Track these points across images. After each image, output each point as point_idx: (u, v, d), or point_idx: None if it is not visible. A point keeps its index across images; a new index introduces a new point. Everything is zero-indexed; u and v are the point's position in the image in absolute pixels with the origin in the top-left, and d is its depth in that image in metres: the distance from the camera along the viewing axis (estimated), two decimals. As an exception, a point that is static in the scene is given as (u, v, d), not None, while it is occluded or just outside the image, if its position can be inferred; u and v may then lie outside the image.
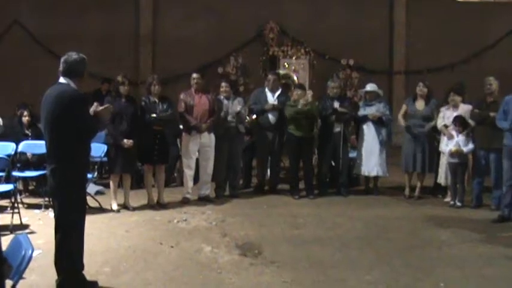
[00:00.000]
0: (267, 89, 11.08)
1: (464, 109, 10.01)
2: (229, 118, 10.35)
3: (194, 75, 10.27)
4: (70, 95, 5.52)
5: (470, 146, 9.69)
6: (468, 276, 6.26)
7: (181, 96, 10.13)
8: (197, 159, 10.31)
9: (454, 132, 9.80)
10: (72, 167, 5.54)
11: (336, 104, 10.65)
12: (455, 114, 9.94)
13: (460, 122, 9.76)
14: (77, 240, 5.64)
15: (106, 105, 5.96)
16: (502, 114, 8.87)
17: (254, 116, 10.92)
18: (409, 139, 10.55)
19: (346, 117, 10.67)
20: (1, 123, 11.47)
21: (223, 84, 10.69)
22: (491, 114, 9.29)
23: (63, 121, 5.48)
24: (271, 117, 10.77)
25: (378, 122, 10.67)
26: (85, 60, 5.73)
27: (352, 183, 11.39)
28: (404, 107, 10.81)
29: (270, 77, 11.27)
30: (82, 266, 5.72)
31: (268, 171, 11.32)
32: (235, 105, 10.47)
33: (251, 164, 11.84)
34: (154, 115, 9.48)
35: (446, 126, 10.03)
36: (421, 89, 10.59)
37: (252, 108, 10.91)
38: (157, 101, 9.65)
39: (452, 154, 9.74)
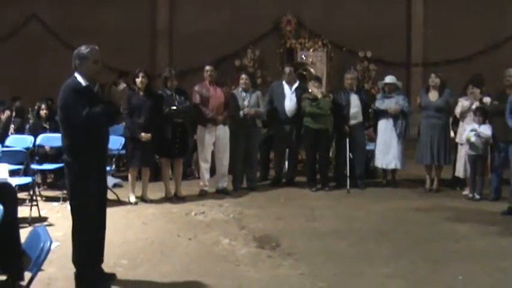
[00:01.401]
0: (284, 82, 11.05)
1: (484, 101, 9.94)
2: (241, 113, 10.35)
3: (207, 67, 10.26)
4: (67, 86, 5.50)
5: (489, 132, 9.58)
6: (486, 270, 6.21)
7: (196, 88, 10.13)
8: (213, 152, 10.33)
9: (475, 124, 9.72)
10: (80, 159, 5.50)
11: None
12: (474, 105, 9.88)
13: (481, 112, 9.69)
14: (90, 233, 5.61)
15: (122, 86, 5.87)
16: (509, 114, 8.84)
17: None
18: (424, 130, 10.50)
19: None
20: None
21: (243, 76, 10.69)
22: None
23: (64, 113, 5.51)
24: (288, 109, 10.75)
25: (397, 115, 10.60)
26: (79, 52, 5.61)
27: (369, 175, 11.35)
28: (418, 99, 10.75)
29: (287, 69, 11.26)
30: (99, 259, 5.73)
31: (286, 163, 11.31)
32: (254, 99, 10.46)
33: (268, 156, 11.84)
34: (174, 107, 9.50)
35: (463, 116, 10.00)
36: (433, 80, 10.52)
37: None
38: (174, 94, 9.66)
39: (470, 144, 9.67)
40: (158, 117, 9.38)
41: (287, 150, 11.14)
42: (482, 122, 9.66)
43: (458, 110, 10.14)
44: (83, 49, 5.63)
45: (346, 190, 10.40)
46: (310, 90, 10.66)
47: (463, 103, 10.06)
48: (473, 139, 9.60)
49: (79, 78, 5.55)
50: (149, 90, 9.55)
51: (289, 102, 10.80)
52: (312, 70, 16.09)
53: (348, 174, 10.57)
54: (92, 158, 5.58)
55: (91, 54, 5.60)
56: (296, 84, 11.03)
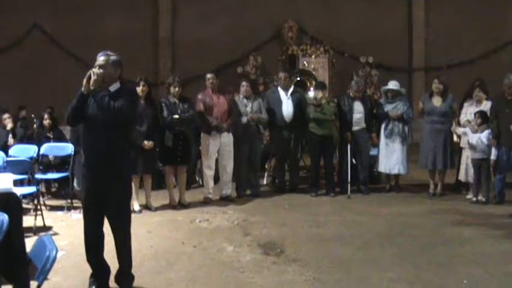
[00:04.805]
0: (279, 88, 11.07)
1: (487, 106, 9.97)
2: (245, 120, 10.37)
3: (208, 75, 10.29)
4: None
5: (494, 152, 9.64)
6: (491, 273, 6.21)
7: (199, 96, 10.13)
8: (216, 159, 10.33)
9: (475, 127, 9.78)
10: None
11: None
12: (477, 109, 9.91)
13: (480, 115, 9.73)
14: (84, 229, 5.75)
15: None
16: None
17: None
18: (428, 136, 10.50)
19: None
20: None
21: (244, 83, 10.68)
22: None
23: None
24: (286, 115, 10.76)
25: (399, 120, 10.62)
26: None
27: (373, 181, 11.36)
28: (420, 104, 10.74)
29: (282, 74, 11.26)
30: (93, 269, 5.79)
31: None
32: (256, 107, 10.48)
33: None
34: (176, 116, 9.50)
35: (469, 121, 10.01)
36: (437, 86, 10.49)
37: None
38: (177, 101, 9.67)
39: (472, 147, 9.73)
40: (160, 124, 9.42)
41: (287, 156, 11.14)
42: (481, 124, 9.69)
43: (462, 117, 10.19)
44: None
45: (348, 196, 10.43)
46: (312, 96, 10.68)
47: (468, 109, 10.13)
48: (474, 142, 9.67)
49: None
50: (150, 99, 9.56)
51: (287, 108, 10.79)
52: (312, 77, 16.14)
53: (349, 180, 10.56)
54: (84, 163, 5.79)
55: None
56: (291, 89, 11.04)
